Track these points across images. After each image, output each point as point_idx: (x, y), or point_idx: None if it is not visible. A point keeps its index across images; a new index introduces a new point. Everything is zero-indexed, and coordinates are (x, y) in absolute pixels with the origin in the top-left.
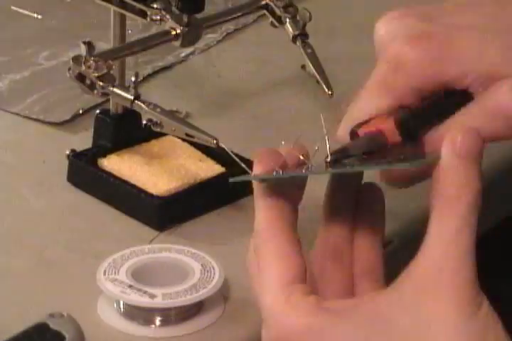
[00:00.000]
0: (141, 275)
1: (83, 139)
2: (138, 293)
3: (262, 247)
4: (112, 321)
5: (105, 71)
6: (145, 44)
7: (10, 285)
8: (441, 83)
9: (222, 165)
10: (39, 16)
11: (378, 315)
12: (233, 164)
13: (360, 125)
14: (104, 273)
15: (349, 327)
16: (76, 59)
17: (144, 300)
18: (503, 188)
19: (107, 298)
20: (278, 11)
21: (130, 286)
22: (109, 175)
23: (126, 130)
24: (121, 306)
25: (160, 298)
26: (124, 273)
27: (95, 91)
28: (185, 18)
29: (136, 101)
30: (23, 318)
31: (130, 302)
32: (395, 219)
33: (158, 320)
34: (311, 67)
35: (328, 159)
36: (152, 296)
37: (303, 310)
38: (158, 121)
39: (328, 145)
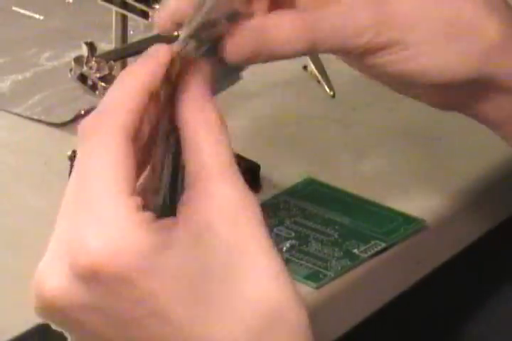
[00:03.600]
0: None
1: None
2: None
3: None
4: None
5: (107, 72)
6: (146, 45)
7: (10, 286)
8: None
9: None
10: (40, 17)
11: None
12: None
13: None
14: None
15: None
16: (78, 60)
17: None
18: (504, 188)
19: None
20: None
21: None
22: None
23: None
24: None
25: None
26: None
27: (97, 92)
28: None
29: None
30: (25, 319)
31: None
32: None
33: None
34: (313, 68)
35: None
36: None
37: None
38: None
39: None
